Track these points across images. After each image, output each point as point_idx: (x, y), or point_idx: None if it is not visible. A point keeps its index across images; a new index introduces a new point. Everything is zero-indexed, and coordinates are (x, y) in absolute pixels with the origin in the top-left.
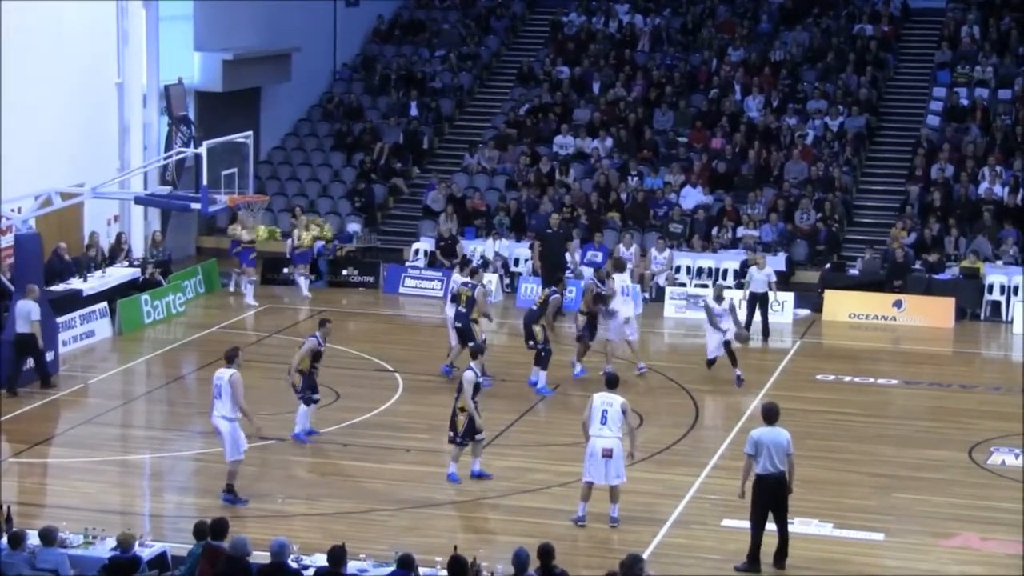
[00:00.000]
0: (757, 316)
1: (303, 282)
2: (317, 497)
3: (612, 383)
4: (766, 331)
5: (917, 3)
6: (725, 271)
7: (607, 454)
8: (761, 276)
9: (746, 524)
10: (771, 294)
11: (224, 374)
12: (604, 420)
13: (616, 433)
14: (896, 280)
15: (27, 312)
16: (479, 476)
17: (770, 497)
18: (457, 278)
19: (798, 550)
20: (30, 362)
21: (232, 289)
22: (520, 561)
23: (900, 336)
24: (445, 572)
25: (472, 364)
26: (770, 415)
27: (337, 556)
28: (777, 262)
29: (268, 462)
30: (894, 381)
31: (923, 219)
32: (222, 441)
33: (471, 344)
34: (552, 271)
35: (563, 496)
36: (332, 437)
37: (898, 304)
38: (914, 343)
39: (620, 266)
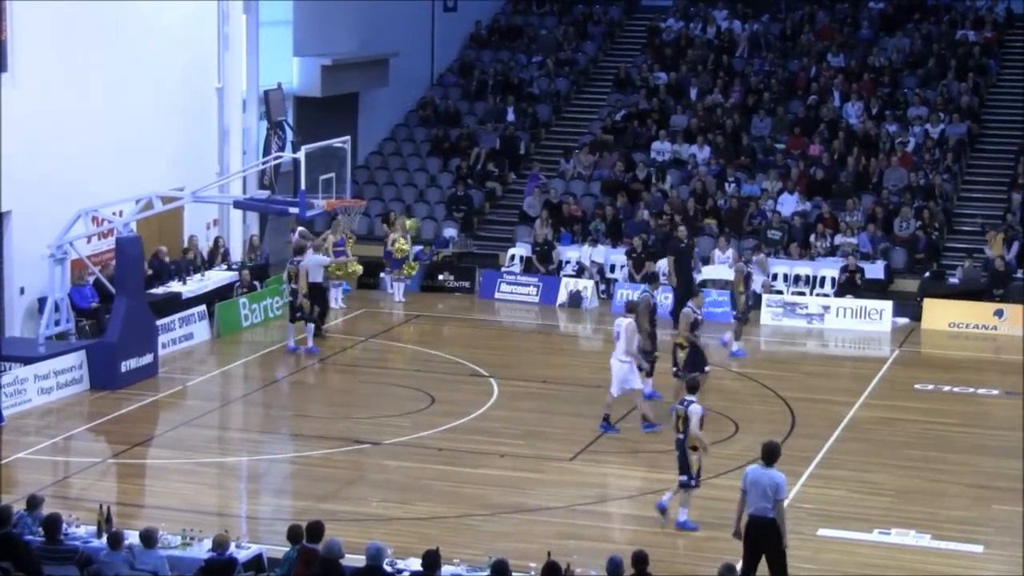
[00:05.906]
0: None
1: (399, 287)
2: (412, 501)
3: None
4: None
5: (1021, 8)
6: (822, 279)
7: None
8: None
9: (843, 534)
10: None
11: (623, 321)
12: None
13: None
14: (997, 289)
15: (317, 263)
16: (683, 527)
17: (757, 540)
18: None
19: (895, 561)
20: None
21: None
22: (614, 568)
23: (1001, 346)
24: None
25: (691, 397)
26: (767, 455)
27: (431, 560)
28: (876, 270)
29: (363, 466)
30: (994, 391)
31: None
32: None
33: (688, 376)
34: (689, 285)
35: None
36: (427, 441)
37: (999, 313)
38: (1015, 353)
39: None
